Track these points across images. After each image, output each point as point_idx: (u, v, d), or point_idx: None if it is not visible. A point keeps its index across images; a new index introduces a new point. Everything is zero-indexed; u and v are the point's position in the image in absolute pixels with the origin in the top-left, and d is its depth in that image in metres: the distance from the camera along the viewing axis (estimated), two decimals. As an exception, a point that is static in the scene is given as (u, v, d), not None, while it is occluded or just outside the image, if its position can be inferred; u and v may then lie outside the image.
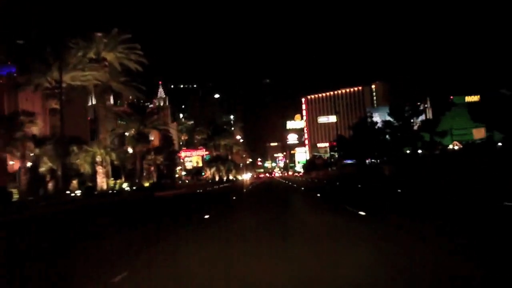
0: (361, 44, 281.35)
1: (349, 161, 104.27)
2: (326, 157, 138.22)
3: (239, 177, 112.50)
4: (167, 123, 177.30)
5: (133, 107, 59.27)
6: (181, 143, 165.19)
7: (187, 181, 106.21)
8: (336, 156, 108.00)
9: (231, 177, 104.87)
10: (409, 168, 52.09)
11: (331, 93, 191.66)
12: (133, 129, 55.80)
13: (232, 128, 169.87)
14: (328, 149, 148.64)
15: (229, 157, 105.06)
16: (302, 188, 40.21)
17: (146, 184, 56.03)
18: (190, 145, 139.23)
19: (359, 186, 36.96)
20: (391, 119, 63.05)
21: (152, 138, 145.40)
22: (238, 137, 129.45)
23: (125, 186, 48.33)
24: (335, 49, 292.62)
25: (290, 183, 58.77)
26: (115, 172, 51.83)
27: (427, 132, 60.47)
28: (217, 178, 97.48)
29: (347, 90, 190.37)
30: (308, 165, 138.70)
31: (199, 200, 32.84)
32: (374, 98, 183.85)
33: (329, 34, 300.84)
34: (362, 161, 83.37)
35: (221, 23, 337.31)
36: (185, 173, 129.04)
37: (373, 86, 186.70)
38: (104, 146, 44.42)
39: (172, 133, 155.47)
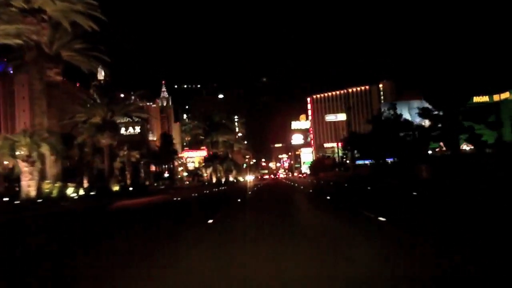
0: (367, 43, 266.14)
1: (360, 162, 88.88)
2: (333, 157, 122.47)
3: (241, 179, 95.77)
4: (170, 122, 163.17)
5: (98, 88, 43.25)
6: (184, 143, 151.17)
7: (187, 182, 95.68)
8: (347, 155, 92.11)
9: (231, 179, 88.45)
10: (455, 169, 37.43)
11: (337, 92, 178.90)
12: (98, 116, 39.90)
13: (237, 126, 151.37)
14: (335, 149, 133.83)
15: (230, 156, 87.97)
16: (328, 198, 24.52)
17: (116, 188, 40.56)
18: (194, 145, 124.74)
19: (415, 194, 22.00)
20: (429, 107, 47.65)
21: (155, 138, 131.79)
22: (240, 134, 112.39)
23: (71, 191, 32.68)
24: (341, 48, 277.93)
25: (301, 187, 43.38)
26: (72, 173, 36.74)
27: (478, 123, 44.84)
28: (214, 180, 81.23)
29: (354, 89, 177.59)
30: (315, 166, 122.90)
31: (159, 220, 17.56)
32: (382, 97, 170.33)
33: (335, 33, 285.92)
34: (382, 161, 67.87)
35: (226, 23, 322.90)
36: (186, 174, 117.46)
37: (380, 85, 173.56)
38: (31, 133, 28.78)
39: (175, 133, 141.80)
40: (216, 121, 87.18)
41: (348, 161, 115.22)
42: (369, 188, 33.18)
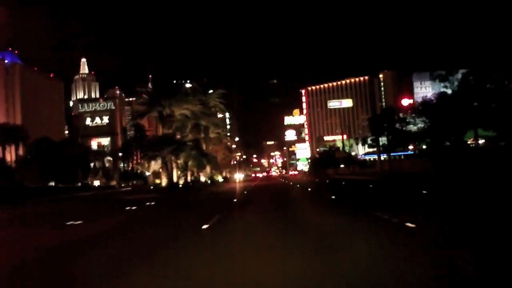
0: (365, 33, 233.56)
1: (384, 154, 55.31)
2: (344, 150, 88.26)
3: (219, 179, 58.25)
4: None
5: None
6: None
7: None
8: (377, 143, 57.29)
9: (203, 179, 51.00)
10: None
11: (334, 83, 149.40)
12: None
13: (228, 118, 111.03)
14: (337, 142, 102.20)
15: (203, 146, 49.98)
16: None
17: None
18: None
19: None
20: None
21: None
22: (221, 115, 75.46)
23: None
24: (336, 39, 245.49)
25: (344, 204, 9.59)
26: None
27: None
28: (164, 182, 41.73)
29: (352, 80, 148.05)
30: (318, 162, 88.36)
31: None
32: (382, 88, 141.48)
33: (332, 23, 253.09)
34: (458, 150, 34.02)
35: (219, 16, 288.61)
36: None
37: (380, 76, 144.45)
38: None
39: (161, 130, 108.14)
40: (172, 84, 50.31)
41: (366, 154, 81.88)
42: None
